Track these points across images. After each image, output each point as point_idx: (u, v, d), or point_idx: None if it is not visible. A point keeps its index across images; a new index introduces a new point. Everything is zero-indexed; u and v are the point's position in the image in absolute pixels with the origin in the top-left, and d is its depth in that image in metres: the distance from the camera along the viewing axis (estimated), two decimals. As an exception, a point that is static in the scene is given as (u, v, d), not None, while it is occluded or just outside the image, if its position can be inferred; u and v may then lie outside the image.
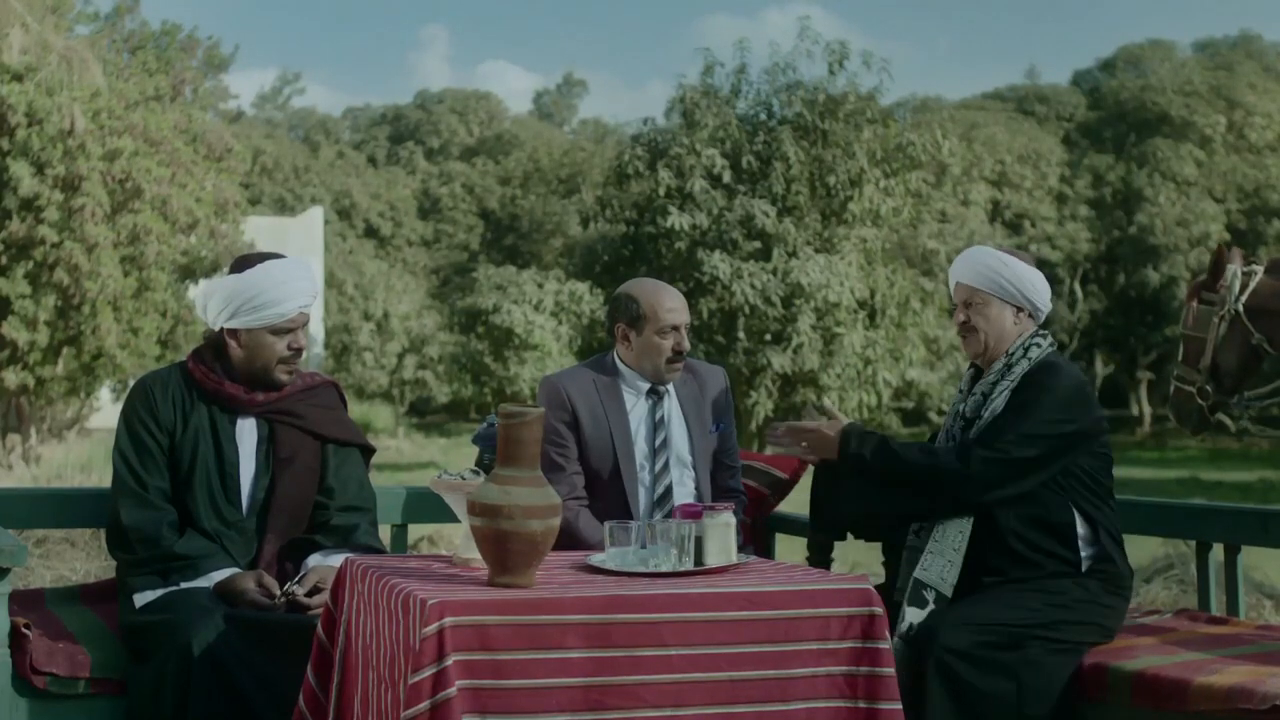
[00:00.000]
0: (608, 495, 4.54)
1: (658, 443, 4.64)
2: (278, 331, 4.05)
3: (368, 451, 4.36)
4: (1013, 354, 4.14)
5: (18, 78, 20.70)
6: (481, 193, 54.50)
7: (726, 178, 23.75)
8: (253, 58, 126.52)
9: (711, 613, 3.05)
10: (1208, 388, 5.39)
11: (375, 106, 70.82)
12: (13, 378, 21.29)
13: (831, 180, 23.56)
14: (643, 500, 4.59)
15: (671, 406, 4.73)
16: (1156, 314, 42.72)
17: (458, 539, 3.47)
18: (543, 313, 27.18)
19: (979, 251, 4.24)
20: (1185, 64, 52.56)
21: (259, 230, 29.49)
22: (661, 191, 23.97)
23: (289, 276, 4.07)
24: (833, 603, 3.16)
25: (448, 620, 2.86)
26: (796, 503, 4.81)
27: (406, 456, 31.72)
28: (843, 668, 3.14)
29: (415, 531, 5.57)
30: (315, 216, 40.90)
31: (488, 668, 2.88)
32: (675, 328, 4.61)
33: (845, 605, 3.16)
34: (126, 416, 4.07)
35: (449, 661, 2.84)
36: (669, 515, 4.35)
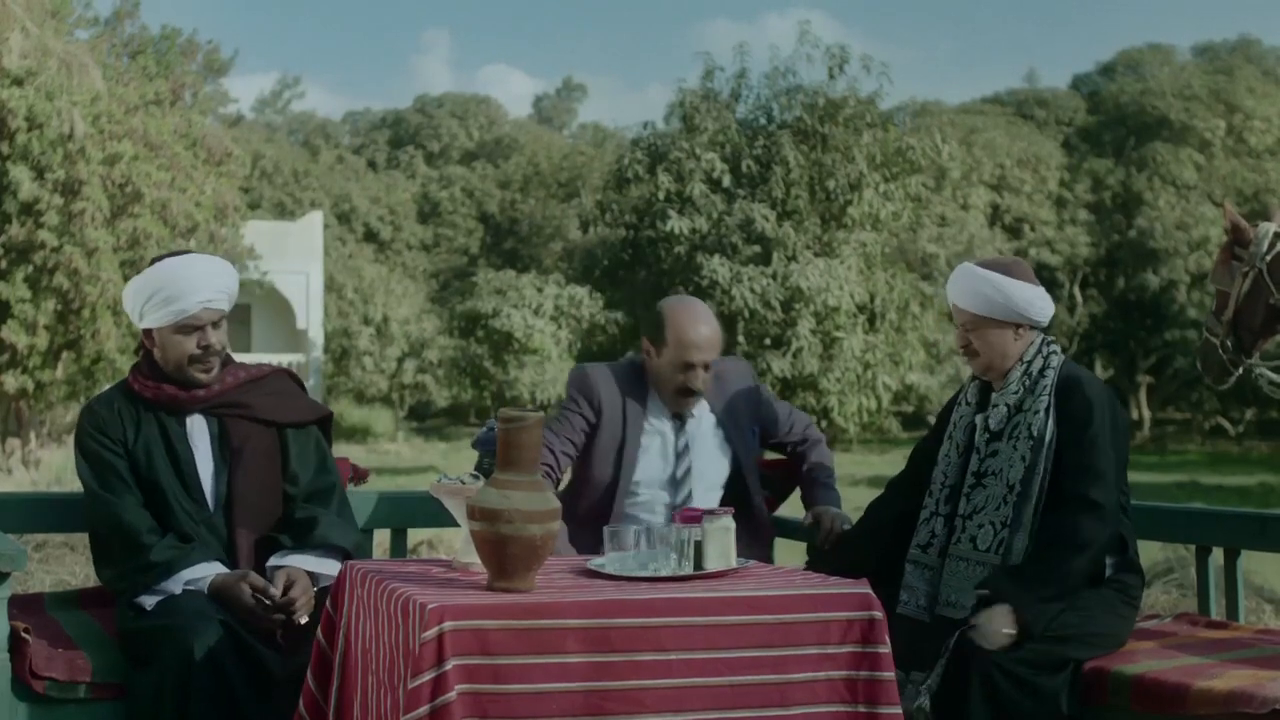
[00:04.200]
0: (590, 505, 4.50)
1: (679, 473, 4.52)
2: (183, 329, 3.99)
3: (325, 423, 4.30)
4: (1031, 363, 4.07)
5: (18, 82, 20.69)
6: (481, 197, 54.51)
7: (726, 182, 23.78)
8: (252, 62, 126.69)
9: (711, 617, 3.05)
10: (1228, 342, 5.37)
11: (375, 110, 70.90)
12: (12, 382, 21.29)
13: (831, 184, 23.59)
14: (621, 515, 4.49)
15: (699, 430, 4.58)
16: (1156, 318, 42.73)
17: (457, 543, 3.47)
18: (542, 317, 27.17)
19: (971, 274, 4.11)
20: (1184, 68, 52.63)
21: (258, 234, 29.53)
22: (661, 195, 23.99)
23: (191, 272, 4.01)
24: (832, 607, 3.16)
25: (447, 625, 2.86)
26: (796, 505, 4.81)
27: (406, 461, 31.71)
28: (842, 672, 3.14)
29: (414, 536, 5.58)
30: (315, 221, 40.92)
31: (487, 672, 2.88)
32: (692, 365, 4.44)
33: (845, 609, 3.16)
34: (80, 441, 4.06)
35: (448, 666, 2.84)
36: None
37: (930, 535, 4.13)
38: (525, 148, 57.72)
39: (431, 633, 2.84)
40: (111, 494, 3.97)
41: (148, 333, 4.05)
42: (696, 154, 23.90)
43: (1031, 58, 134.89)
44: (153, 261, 4.11)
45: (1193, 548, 4.65)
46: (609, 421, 4.48)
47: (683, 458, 4.52)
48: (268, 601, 3.80)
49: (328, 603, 3.53)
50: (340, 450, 4.44)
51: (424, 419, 47.15)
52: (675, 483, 4.51)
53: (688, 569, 3.31)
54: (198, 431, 4.08)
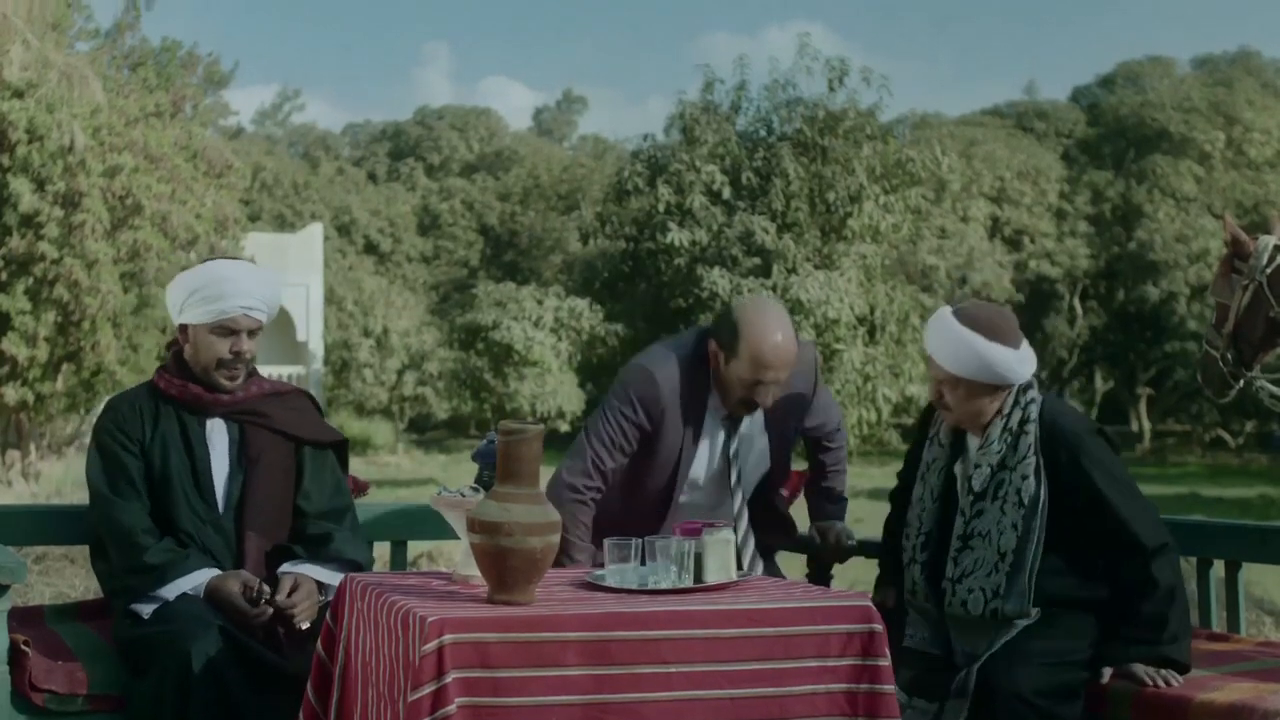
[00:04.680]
0: (640, 508, 4.29)
1: (732, 479, 4.37)
2: (219, 330, 4.01)
3: (341, 448, 4.34)
4: (1010, 416, 3.95)
5: (18, 94, 20.71)
6: (481, 209, 54.52)
7: (726, 194, 23.82)
8: (253, 74, 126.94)
9: (711, 630, 3.05)
10: (1228, 355, 5.35)
11: (375, 123, 70.92)
12: (12, 394, 21.28)
13: (831, 196, 23.62)
14: (668, 521, 4.28)
15: (747, 431, 4.39)
16: (1156, 330, 42.73)
17: (457, 556, 3.46)
18: (542, 329, 27.19)
19: (951, 331, 3.93)
20: (1184, 80, 52.64)
21: (259, 246, 29.53)
22: (661, 208, 24.03)
23: (239, 276, 4.05)
24: (832, 619, 3.16)
25: (447, 637, 2.86)
26: (796, 519, 4.80)
27: (406, 473, 31.69)
28: (842, 685, 3.14)
29: (414, 548, 5.57)
30: (315, 233, 40.93)
31: (487, 685, 2.88)
32: (761, 383, 4.18)
33: (845, 622, 3.16)
34: (96, 435, 4.11)
35: (448, 679, 2.84)
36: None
37: (913, 584, 4.06)
38: (525, 160, 57.75)
39: (432, 645, 2.84)
40: (116, 495, 3.99)
41: (183, 329, 4.08)
42: (696, 166, 23.93)
43: (1031, 70, 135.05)
44: (204, 260, 4.17)
45: (1194, 560, 4.65)
46: (670, 428, 4.25)
47: (733, 463, 4.36)
48: (255, 595, 3.81)
49: (328, 615, 3.53)
50: (339, 462, 4.43)
51: (424, 431, 47.11)
52: (720, 485, 4.37)
53: (688, 582, 3.31)
54: (216, 434, 4.11)
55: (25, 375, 21.33)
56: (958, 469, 4.04)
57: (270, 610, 3.82)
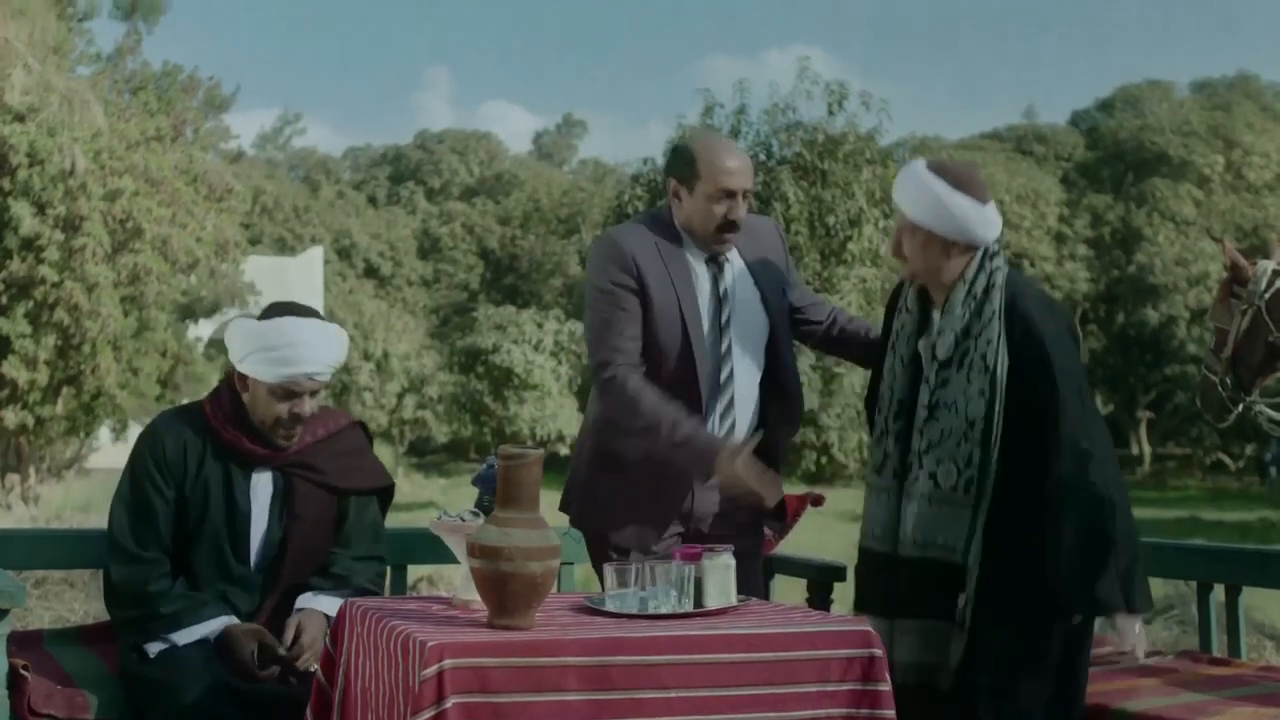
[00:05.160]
0: (669, 376, 4.09)
1: (723, 320, 4.15)
2: (279, 393, 3.85)
3: (388, 493, 4.22)
4: (974, 283, 3.80)
5: (19, 118, 20.78)
6: (481, 232, 54.67)
7: (726, 217, 23.80)
8: (254, 98, 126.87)
9: (711, 655, 3.04)
10: (1227, 380, 5.35)
11: (376, 146, 71.11)
12: (12, 417, 21.31)
13: (831, 220, 23.65)
14: (705, 386, 4.12)
15: (735, 276, 4.21)
16: (1156, 353, 42.80)
17: (457, 580, 3.46)
18: (542, 352, 27.24)
19: (917, 176, 3.83)
20: (1183, 104, 52.79)
21: (259, 270, 29.58)
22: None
23: (310, 340, 3.86)
24: (832, 645, 3.15)
25: (447, 662, 2.85)
26: (796, 543, 4.81)
27: (406, 496, 31.69)
28: (843, 710, 3.13)
29: (414, 572, 5.58)
30: (315, 256, 41.05)
31: (487, 710, 2.87)
32: (731, 193, 4.08)
33: (845, 647, 3.15)
34: (133, 468, 3.92)
35: (448, 704, 2.83)
36: (730, 405, 4.14)
37: (883, 456, 3.90)
38: (525, 184, 57.94)
39: (431, 670, 2.84)
40: (140, 547, 3.85)
41: (242, 376, 3.89)
42: (696, 189, 23.94)
43: (1030, 94, 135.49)
44: (273, 309, 3.95)
45: (1194, 584, 4.65)
46: (656, 281, 4.09)
47: (723, 304, 4.17)
48: (279, 652, 3.74)
49: (327, 640, 3.52)
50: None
51: (424, 455, 47.13)
52: (718, 330, 4.16)
53: (688, 606, 3.31)
54: (261, 486, 3.95)
55: (25, 398, 21.36)
56: (922, 343, 3.91)
57: (277, 671, 3.74)
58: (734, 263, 4.22)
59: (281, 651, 3.75)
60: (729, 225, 4.11)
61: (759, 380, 4.22)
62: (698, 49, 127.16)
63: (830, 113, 24.40)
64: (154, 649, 3.80)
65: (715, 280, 4.17)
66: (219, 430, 3.93)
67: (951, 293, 3.83)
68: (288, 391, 3.85)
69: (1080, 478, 3.65)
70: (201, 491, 3.89)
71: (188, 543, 3.89)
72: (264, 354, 3.83)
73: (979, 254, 3.83)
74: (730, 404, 4.14)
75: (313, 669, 3.75)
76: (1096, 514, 3.64)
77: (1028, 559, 3.67)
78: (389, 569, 4.63)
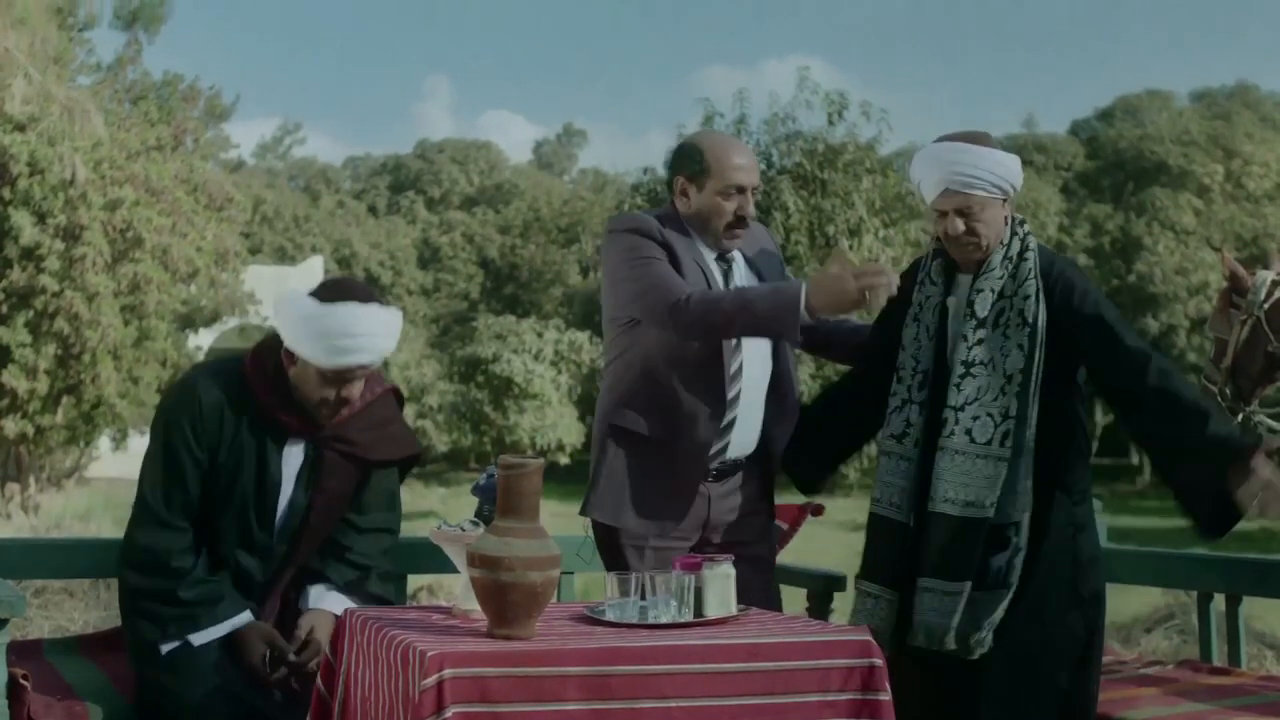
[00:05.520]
0: (694, 362, 4.04)
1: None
2: (329, 379, 3.77)
3: (412, 459, 4.15)
4: (1009, 246, 3.93)
5: (20, 128, 20.81)
6: (481, 242, 54.67)
7: (726, 227, 23.84)
8: (254, 108, 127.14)
9: (711, 664, 3.04)
10: (1227, 390, 5.35)
11: (376, 156, 71.15)
12: (12, 426, 21.32)
13: (831, 230, 23.67)
14: (730, 367, 4.06)
15: (741, 272, 4.21)
16: (1156, 363, 42.76)
17: (457, 590, 3.45)
18: (542, 362, 27.23)
19: (964, 152, 3.88)
20: (1183, 113, 52.86)
21: (259, 279, 29.60)
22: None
23: (365, 330, 3.74)
24: (833, 654, 3.15)
25: (447, 672, 2.85)
26: (797, 552, 4.80)
27: (406, 506, 31.31)
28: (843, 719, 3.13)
29: (414, 582, 5.57)
30: (315, 265, 41.04)
31: (487, 720, 2.87)
32: (741, 189, 4.10)
33: (845, 656, 3.15)
34: (168, 428, 3.81)
35: (448, 714, 2.83)
36: (736, 399, 4.06)
37: (905, 424, 3.95)
38: (525, 193, 57.97)
39: (431, 680, 2.83)
40: (169, 510, 3.77)
41: (289, 353, 3.79)
42: (696, 199, 23.98)
43: (1030, 103, 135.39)
44: (333, 290, 3.81)
45: (1194, 594, 4.64)
46: (681, 259, 4.06)
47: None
48: (275, 659, 3.72)
49: (327, 649, 3.52)
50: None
51: (424, 464, 47.10)
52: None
53: (687, 616, 3.31)
54: (292, 456, 3.89)
55: (25, 408, 21.37)
56: (950, 301, 3.98)
57: (286, 675, 3.73)
58: (739, 259, 4.22)
59: (291, 656, 3.73)
60: (739, 221, 4.12)
61: (767, 378, 4.19)
62: (697, 59, 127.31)
63: (830, 122, 24.45)
64: (164, 646, 3.76)
65: (726, 276, 4.16)
66: (259, 395, 3.83)
67: (990, 256, 3.92)
68: (340, 377, 3.78)
69: (1168, 367, 3.84)
70: (235, 458, 3.80)
71: (213, 507, 3.82)
72: (322, 339, 3.72)
73: (1011, 220, 3.96)
74: (737, 398, 4.09)
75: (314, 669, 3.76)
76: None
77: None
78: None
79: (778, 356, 4.21)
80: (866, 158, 24.22)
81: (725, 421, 4.06)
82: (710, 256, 4.15)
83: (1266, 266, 5.27)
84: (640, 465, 4.10)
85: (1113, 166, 49.26)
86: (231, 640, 3.76)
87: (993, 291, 3.89)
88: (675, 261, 4.04)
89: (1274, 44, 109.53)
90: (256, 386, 3.85)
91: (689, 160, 4.14)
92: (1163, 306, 42.36)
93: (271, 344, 3.89)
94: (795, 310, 3.84)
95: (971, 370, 3.86)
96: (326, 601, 3.89)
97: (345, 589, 3.92)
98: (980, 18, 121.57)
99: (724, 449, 4.08)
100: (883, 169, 24.51)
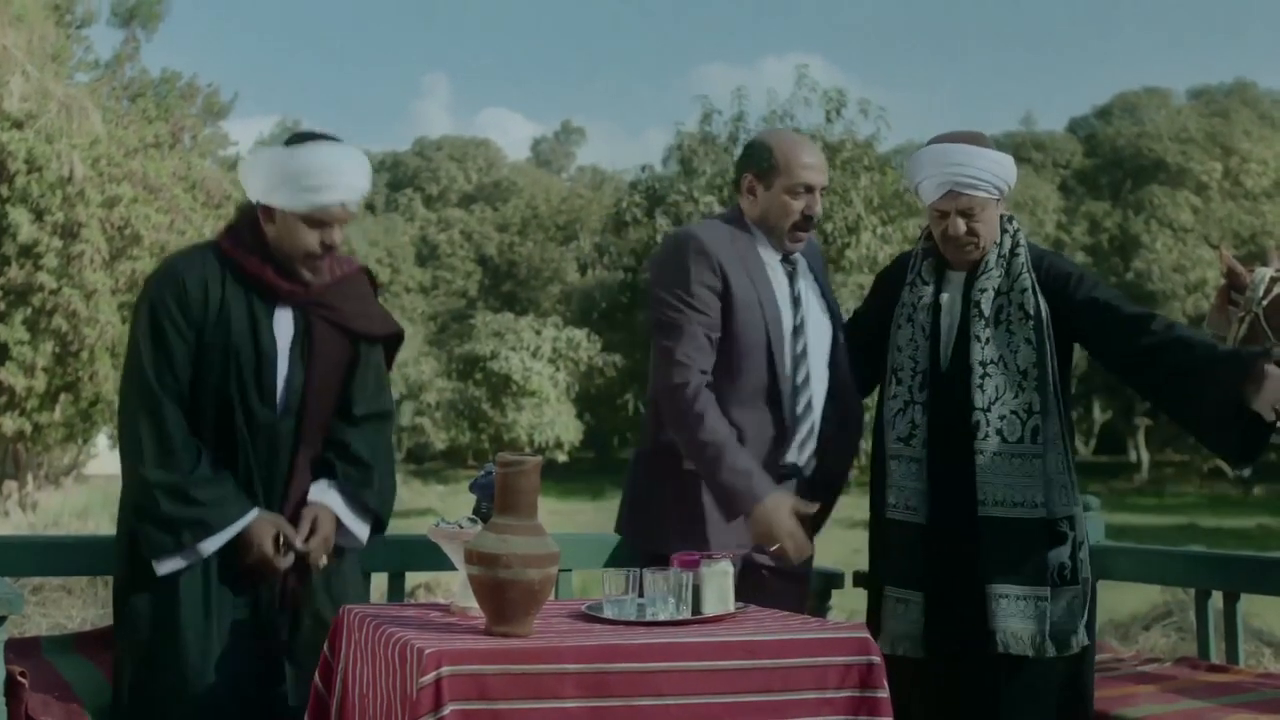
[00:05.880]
0: (751, 375, 3.98)
1: (797, 321, 4.06)
2: (311, 221, 3.71)
3: (396, 341, 4.11)
4: (1000, 244, 3.97)
5: (18, 125, 20.80)
6: (480, 239, 54.66)
7: (724, 225, 23.86)
8: (252, 105, 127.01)
9: (708, 662, 3.04)
10: None
11: (374, 153, 70.99)
12: (10, 424, 21.31)
13: (829, 227, 23.67)
14: (785, 388, 4.01)
15: (806, 280, 4.15)
16: (1154, 360, 42.76)
17: (455, 587, 3.45)
18: (540, 359, 27.25)
19: (966, 153, 3.93)
20: (1181, 111, 52.83)
21: (257, 277, 29.54)
22: (659, 238, 24.07)
23: (338, 165, 3.73)
24: (830, 651, 3.15)
25: (445, 669, 2.85)
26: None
27: (404, 504, 31.62)
28: (841, 717, 3.13)
29: (412, 579, 5.55)
30: (313, 263, 40.93)
31: (485, 717, 2.87)
32: (810, 188, 4.04)
33: (843, 654, 3.15)
34: (153, 307, 3.71)
35: (446, 711, 2.83)
36: (808, 408, 4.03)
37: (911, 426, 3.96)
38: (524, 191, 57.95)
39: (429, 678, 2.83)
40: (163, 387, 3.66)
41: (267, 209, 3.73)
42: (695, 197, 24.01)
43: (1028, 101, 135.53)
44: (295, 137, 3.82)
45: (1192, 591, 4.65)
46: (737, 279, 3.98)
47: (798, 305, 4.09)
48: (295, 545, 3.68)
49: (325, 647, 3.52)
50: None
51: (422, 461, 47.10)
52: (794, 332, 4.06)
53: (685, 613, 3.31)
54: (283, 325, 3.79)
55: (23, 405, 21.36)
56: (944, 299, 4.00)
57: (293, 558, 3.68)
58: (801, 263, 4.17)
59: (298, 544, 3.69)
60: (806, 221, 4.07)
61: (827, 388, 4.13)
62: (696, 56, 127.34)
63: (828, 120, 24.47)
64: (172, 565, 3.68)
65: (790, 280, 4.10)
66: (241, 263, 3.76)
67: (985, 255, 3.96)
68: (320, 221, 3.73)
69: (1172, 321, 3.95)
70: (223, 332, 3.70)
71: (212, 388, 3.71)
72: (297, 180, 3.69)
73: (1001, 217, 4.00)
74: (809, 407, 4.05)
75: (321, 564, 3.74)
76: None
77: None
78: (387, 577, 4.63)
79: (835, 366, 4.17)
80: (864, 155, 24.23)
81: (790, 437, 4.03)
82: (775, 259, 4.08)
83: (1265, 264, 5.26)
84: (688, 501, 4.00)
85: (1111, 164, 49.26)
86: (242, 538, 3.67)
87: (992, 289, 3.93)
88: (729, 289, 3.95)
89: (1272, 42, 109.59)
90: (238, 257, 3.76)
91: (758, 158, 4.08)
92: (1160, 304, 42.31)
93: (243, 215, 3.84)
94: (737, 510, 3.85)
95: (987, 370, 3.89)
96: (328, 498, 3.82)
97: (345, 492, 3.85)
98: (979, 16, 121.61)
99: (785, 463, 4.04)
100: (881, 166, 24.52)
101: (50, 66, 22.19)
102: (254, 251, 3.76)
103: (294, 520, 3.76)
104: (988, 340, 3.91)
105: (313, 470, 3.83)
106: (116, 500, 3.95)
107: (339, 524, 3.81)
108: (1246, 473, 39.07)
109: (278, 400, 3.77)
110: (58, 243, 20.71)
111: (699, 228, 4.14)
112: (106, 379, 21.37)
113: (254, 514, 3.70)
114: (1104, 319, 3.89)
